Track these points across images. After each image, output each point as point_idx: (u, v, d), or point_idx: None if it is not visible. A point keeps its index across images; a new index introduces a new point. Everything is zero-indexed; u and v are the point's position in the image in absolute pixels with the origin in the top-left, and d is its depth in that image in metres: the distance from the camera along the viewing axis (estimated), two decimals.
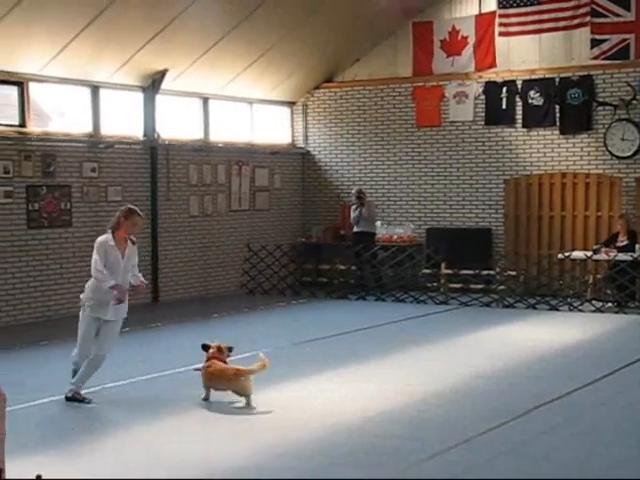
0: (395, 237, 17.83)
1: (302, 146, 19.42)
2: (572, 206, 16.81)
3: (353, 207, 17.50)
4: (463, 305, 15.67)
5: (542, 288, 15.97)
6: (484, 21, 17.27)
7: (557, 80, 16.81)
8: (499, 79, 17.33)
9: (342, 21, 17.07)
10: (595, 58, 16.33)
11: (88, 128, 15.27)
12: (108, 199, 15.35)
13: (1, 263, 13.83)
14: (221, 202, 17.54)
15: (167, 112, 16.64)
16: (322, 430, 7.86)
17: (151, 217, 15.95)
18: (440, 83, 17.87)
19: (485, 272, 16.24)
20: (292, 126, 19.49)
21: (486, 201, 17.63)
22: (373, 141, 18.68)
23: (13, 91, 14.19)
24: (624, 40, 16.05)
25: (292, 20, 16.37)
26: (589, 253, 15.54)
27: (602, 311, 14.86)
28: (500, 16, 16.99)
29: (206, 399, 8.80)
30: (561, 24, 16.49)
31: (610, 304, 15.17)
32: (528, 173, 17.21)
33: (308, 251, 18.75)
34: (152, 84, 15.88)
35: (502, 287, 15.95)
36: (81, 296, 8.95)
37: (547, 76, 16.91)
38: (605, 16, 16.10)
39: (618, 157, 16.35)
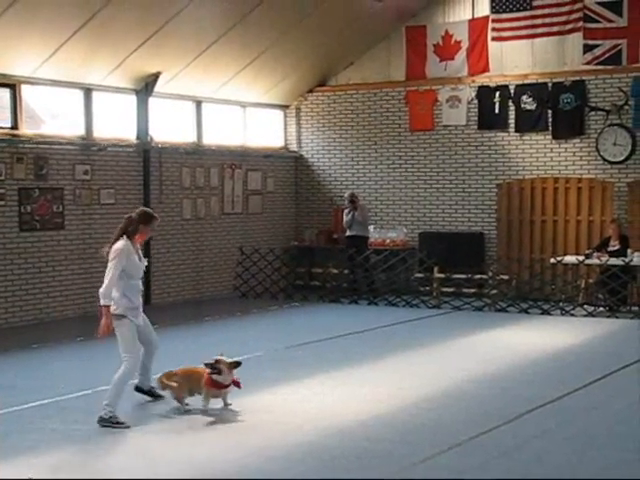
0: (388, 241, 17.84)
1: (295, 149, 19.43)
2: (564, 210, 16.86)
3: (346, 211, 17.50)
4: (455, 309, 15.68)
5: (534, 292, 16.00)
6: (477, 26, 17.31)
7: (550, 85, 16.85)
8: (492, 84, 17.37)
9: (335, 25, 17.09)
10: (587, 63, 16.38)
11: (81, 131, 15.25)
12: (101, 202, 15.33)
13: None
14: (214, 205, 17.53)
15: (160, 115, 16.63)
16: (314, 433, 7.86)
17: None
18: (433, 87, 17.90)
19: (477, 276, 16.26)
20: (285, 129, 19.49)
21: (479, 205, 17.66)
22: (366, 145, 18.70)
23: (5, 93, 14.16)
24: (616, 45, 16.11)
25: (285, 23, 16.38)
26: (581, 258, 15.57)
27: (594, 315, 14.88)
28: (493, 21, 17.04)
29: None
30: (554, 29, 16.55)
31: (602, 308, 15.20)
32: (521, 177, 17.24)
33: (301, 254, 18.76)
34: (145, 87, 15.87)
35: (494, 291, 15.97)
36: (113, 308, 8.42)
37: (540, 81, 16.95)
38: (597, 21, 16.16)
39: (610, 162, 16.39)
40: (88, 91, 15.27)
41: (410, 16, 17.90)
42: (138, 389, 9.11)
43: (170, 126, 17.06)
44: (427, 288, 16.66)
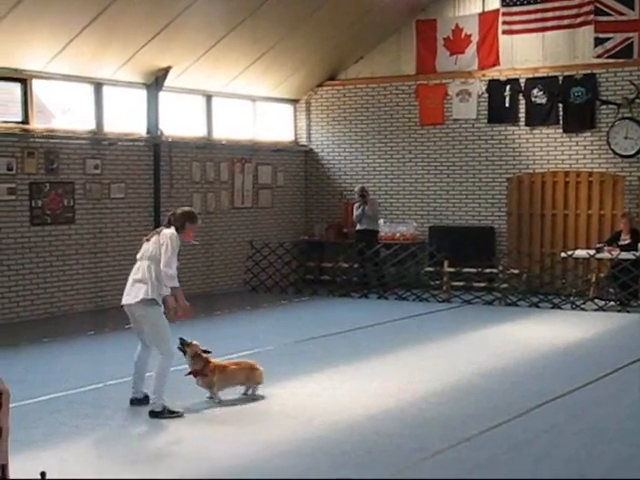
0: (398, 235, 17.83)
1: (305, 144, 19.42)
2: (575, 204, 16.81)
3: (356, 205, 17.49)
4: (466, 303, 15.67)
5: (545, 286, 15.96)
6: (487, 19, 17.25)
7: (560, 78, 16.79)
8: (502, 77, 17.31)
9: (345, 19, 17.07)
10: (598, 56, 16.31)
11: (91, 125, 15.27)
12: (111, 196, 15.36)
13: (4, 260, 13.84)
14: (224, 199, 17.54)
15: (170, 109, 16.63)
16: (324, 428, 7.87)
17: (154, 214, 15.95)
18: (443, 81, 17.86)
19: (488, 270, 16.24)
20: (295, 124, 19.49)
21: (489, 199, 17.63)
22: (376, 139, 18.68)
23: (16, 88, 14.18)
24: (627, 39, 16.03)
25: (295, 17, 16.37)
26: (592, 251, 15.53)
27: (605, 310, 14.85)
28: (504, 14, 16.97)
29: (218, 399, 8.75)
30: (564, 22, 16.48)
31: (613, 303, 15.17)
32: (531, 171, 17.20)
33: (311, 249, 18.76)
34: (155, 81, 15.88)
35: (505, 285, 15.95)
36: (148, 294, 8.37)
37: (550, 74, 16.89)
38: (609, 14, 16.08)
39: (621, 155, 16.33)
40: (98, 85, 15.29)
41: (420, 10, 17.87)
42: (135, 401, 8.66)
43: (180, 120, 17.06)
44: (437, 282, 16.65)
